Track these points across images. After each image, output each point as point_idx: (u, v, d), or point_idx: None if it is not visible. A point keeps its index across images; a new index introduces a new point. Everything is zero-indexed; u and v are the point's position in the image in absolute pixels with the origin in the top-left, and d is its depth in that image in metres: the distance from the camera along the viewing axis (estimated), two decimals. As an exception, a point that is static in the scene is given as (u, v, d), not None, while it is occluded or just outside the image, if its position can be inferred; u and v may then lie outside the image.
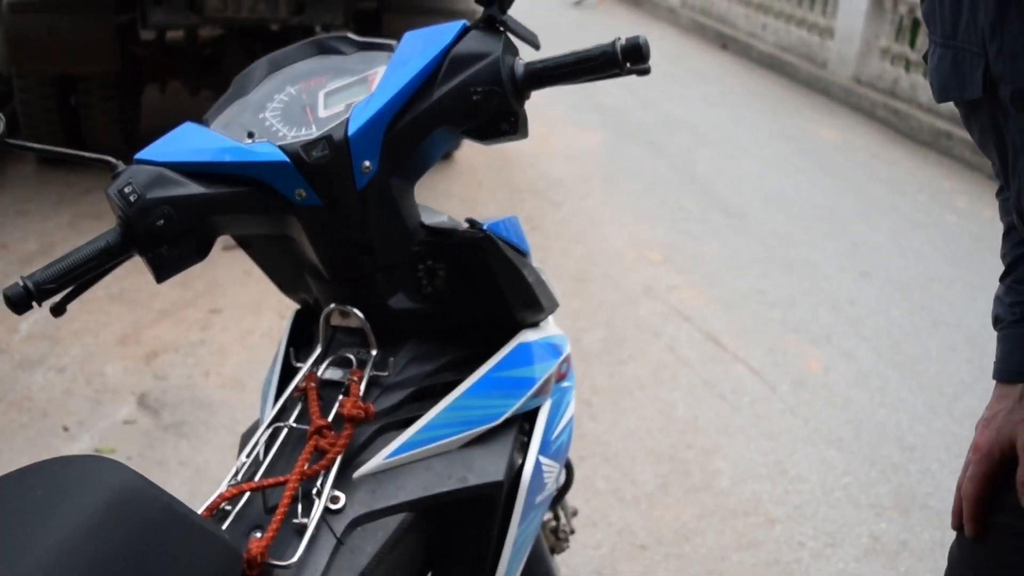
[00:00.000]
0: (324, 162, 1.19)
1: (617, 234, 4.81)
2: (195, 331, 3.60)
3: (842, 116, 7.44)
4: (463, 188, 5.21)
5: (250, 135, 1.26)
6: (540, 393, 1.41)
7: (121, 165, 1.18)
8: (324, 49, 1.40)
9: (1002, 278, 1.18)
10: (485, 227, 1.32)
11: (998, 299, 1.18)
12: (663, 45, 9.93)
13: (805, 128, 7.02)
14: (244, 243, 1.44)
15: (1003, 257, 1.19)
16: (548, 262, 4.36)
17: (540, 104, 6.76)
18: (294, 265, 1.40)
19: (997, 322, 1.17)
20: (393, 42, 1.34)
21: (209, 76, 5.09)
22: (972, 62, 1.00)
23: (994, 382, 1.14)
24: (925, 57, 1.12)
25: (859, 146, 6.63)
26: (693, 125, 6.90)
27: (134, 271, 3.72)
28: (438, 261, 1.33)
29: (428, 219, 1.38)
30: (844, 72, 7.89)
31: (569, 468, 1.75)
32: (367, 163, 1.21)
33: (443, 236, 1.32)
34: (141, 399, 3.18)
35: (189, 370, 3.36)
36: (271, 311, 3.74)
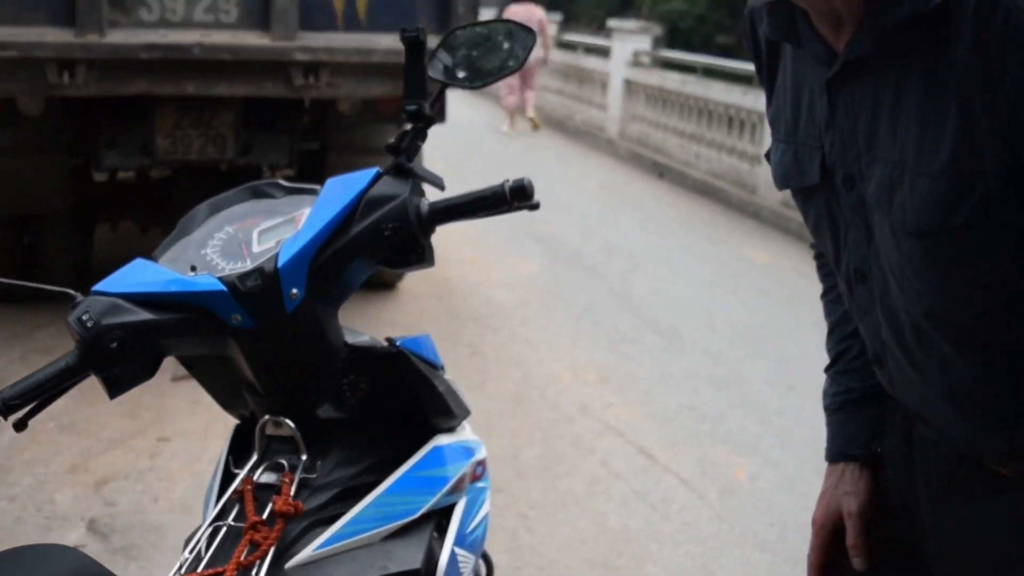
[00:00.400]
0: (257, 290, 1.37)
1: (555, 357, 5.02)
2: (144, 459, 3.72)
3: (772, 238, 7.78)
4: (406, 317, 5.41)
5: (193, 268, 1.44)
6: (455, 491, 1.58)
7: (79, 296, 1.35)
8: (258, 193, 1.60)
9: (826, 369, 1.40)
10: (399, 343, 1.51)
11: (824, 390, 1.40)
12: (601, 175, 10.33)
13: (737, 250, 7.34)
14: (189, 364, 1.61)
15: (828, 352, 1.41)
16: (487, 385, 4.53)
17: (481, 235, 7.06)
18: (233, 383, 1.57)
19: (825, 410, 1.38)
20: (317, 187, 1.55)
21: (159, 214, 5.29)
22: (810, 154, 1.20)
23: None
24: (767, 155, 1.33)
25: (788, 266, 6.94)
26: (630, 251, 7.20)
27: (83, 402, 3.88)
28: (360, 375, 1.51)
29: (351, 339, 1.56)
30: (773, 196, 8.27)
31: (488, 562, 1.90)
32: (295, 291, 1.39)
33: (364, 352, 1.51)
34: (91, 524, 3.28)
35: (138, 496, 3.46)
36: (218, 438, 3.87)
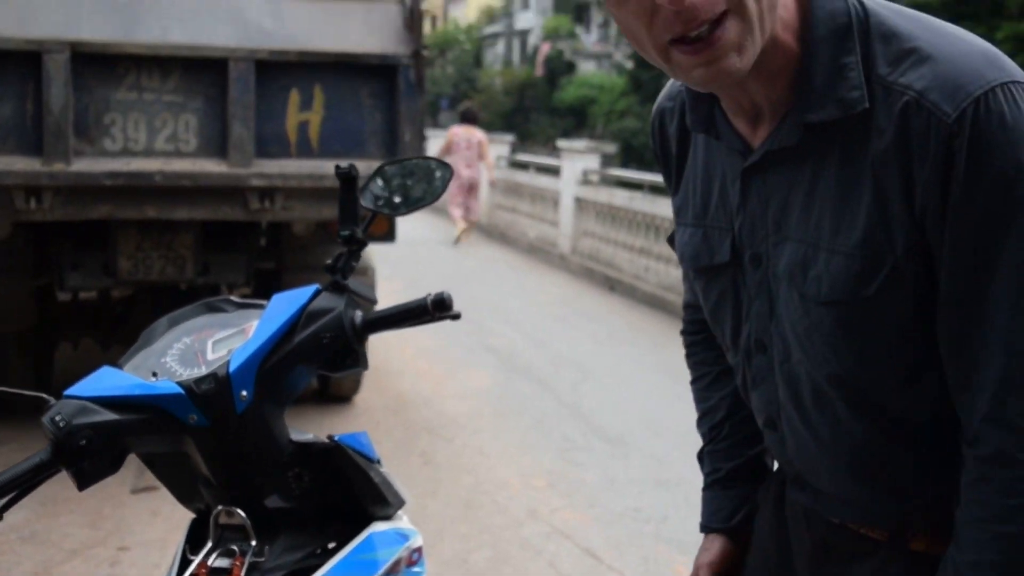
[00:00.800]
0: (211, 393, 1.57)
1: (505, 465, 5.18)
2: (104, 567, 3.82)
3: (718, 347, 8.03)
4: (360, 429, 5.55)
5: (154, 374, 1.64)
6: (390, 574, 1.76)
7: (52, 400, 1.55)
8: (212, 308, 1.81)
9: (699, 452, 1.62)
10: (337, 438, 1.71)
11: (701, 466, 1.61)
12: (554, 290, 10.62)
13: (683, 359, 7.57)
14: (150, 462, 1.78)
15: (701, 435, 1.62)
16: (439, 492, 4.68)
17: (436, 348, 7.26)
18: (190, 478, 1.74)
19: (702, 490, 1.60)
20: (264, 302, 1.76)
21: (120, 333, 5.45)
22: (720, 236, 1.33)
23: None
24: (669, 240, 1.49)
25: (732, 374, 7.17)
26: (580, 362, 7.42)
27: (44, 514, 4.01)
28: (304, 468, 1.70)
29: (296, 436, 1.75)
30: (718, 307, 8.56)
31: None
32: (244, 393, 1.59)
33: (307, 448, 1.70)
34: (50, 634, 3.38)
35: (97, 606, 3.57)
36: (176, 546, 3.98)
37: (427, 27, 72.97)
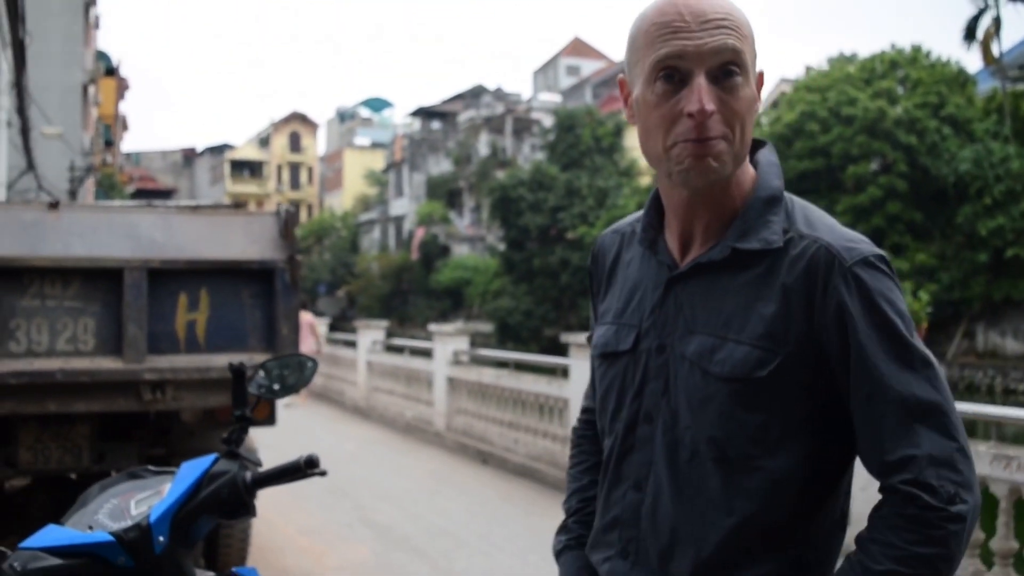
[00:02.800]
0: (135, 539, 2.11)
1: (383, 625, 5.62)
2: None
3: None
4: (247, 601, 5.92)
5: (90, 527, 2.17)
6: None
7: (8, 552, 2.06)
8: (134, 476, 2.37)
9: (563, 525, 1.93)
10: (235, 570, 2.26)
11: (555, 541, 1.92)
12: (430, 465, 11.12)
13: (552, 522, 8.07)
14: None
15: (567, 509, 1.93)
16: (321, 652, 5.09)
17: (317, 525, 7.66)
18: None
19: (556, 556, 1.90)
20: (175, 469, 2.32)
21: (16, 526, 5.75)
22: (628, 331, 1.71)
23: None
24: (589, 338, 1.86)
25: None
26: (454, 531, 7.91)
27: None
28: (208, 600, 2.24)
29: (201, 573, 2.29)
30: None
31: None
32: (161, 538, 2.13)
33: (210, 583, 2.24)
34: None
35: None
36: None
37: (304, 216, 74.25)
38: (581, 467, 1.96)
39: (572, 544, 1.89)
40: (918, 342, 1.54)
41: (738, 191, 1.65)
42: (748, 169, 1.67)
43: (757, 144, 1.72)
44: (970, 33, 31.76)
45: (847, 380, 1.53)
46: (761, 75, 1.64)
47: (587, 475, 1.94)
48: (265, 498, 8.33)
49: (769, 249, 1.58)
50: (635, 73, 1.62)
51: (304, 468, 2.27)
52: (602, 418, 1.79)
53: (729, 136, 1.56)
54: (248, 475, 2.25)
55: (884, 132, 28.64)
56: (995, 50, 29.91)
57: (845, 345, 1.52)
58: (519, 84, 70.81)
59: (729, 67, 1.54)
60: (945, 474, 1.47)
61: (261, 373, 2.47)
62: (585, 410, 2.01)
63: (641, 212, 1.79)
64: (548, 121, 45.09)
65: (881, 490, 1.53)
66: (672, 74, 1.55)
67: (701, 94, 1.52)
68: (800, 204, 1.66)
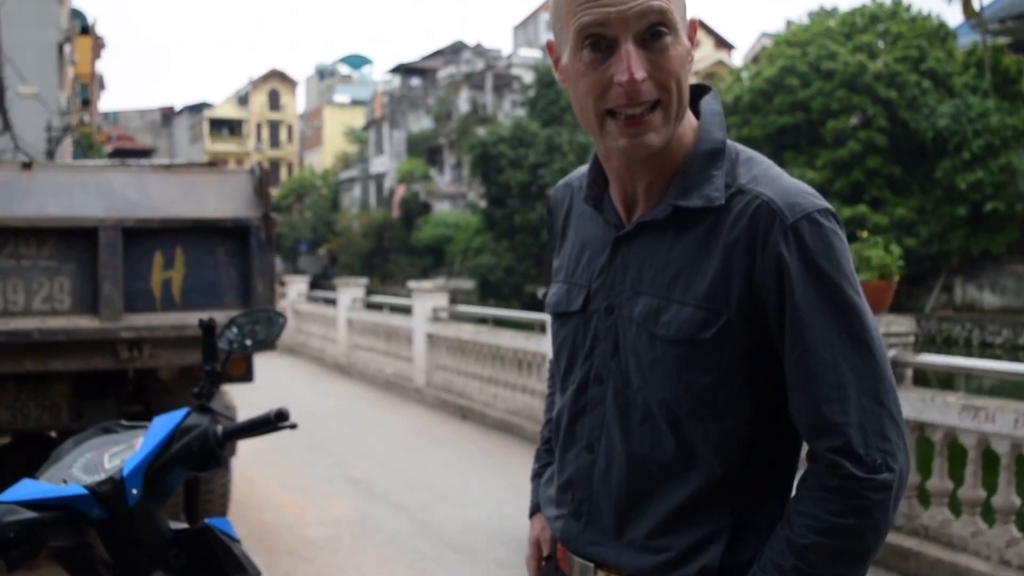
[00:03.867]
0: (108, 492, 2.15)
1: (362, 577, 5.72)
2: None
3: (561, 465, 8.70)
4: (228, 556, 6.00)
5: (64, 481, 2.22)
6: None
7: (-17, 505, 2.10)
8: (107, 430, 2.41)
9: (538, 452, 2.00)
10: (206, 522, 2.31)
11: (533, 469, 1.99)
12: (410, 422, 11.21)
13: (526, 476, 8.21)
14: (58, 556, 2.33)
15: (542, 441, 1.98)
16: (301, 604, 5.18)
17: (297, 481, 7.72)
18: (92, 563, 2.30)
19: (531, 480, 1.97)
20: (147, 423, 2.36)
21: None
22: (578, 291, 1.69)
23: None
24: (544, 295, 1.86)
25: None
26: (433, 485, 8.00)
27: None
28: (181, 549, 2.29)
29: (174, 525, 2.35)
30: (561, 428, 9.26)
31: None
32: (135, 491, 2.18)
33: (182, 532, 2.30)
34: None
35: None
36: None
37: (284, 174, 73.92)
38: (553, 397, 1.96)
39: (541, 472, 1.93)
40: (859, 302, 1.50)
41: (679, 145, 1.59)
42: (690, 120, 1.62)
43: (701, 90, 1.67)
44: (950, -14, 31.72)
45: (782, 339, 1.50)
46: (694, 24, 1.58)
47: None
48: (246, 454, 8.42)
49: (711, 207, 1.54)
50: (561, 39, 1.56)
51: (274, 421, 2.31)
52: (556, 376, 1.79)
53: (664, 98, 1.51)
54: (219, 428, 2.29)
55: (864, 87, 28.65)
56: (976, 4, 29.85)
57: (781, 304, 1.49)
58: (499, 40, 70.16)
59: (657, 28, 1.48)
60: (873, 442, 1.46)
61: (232, 328, 2.51)
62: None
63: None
64: (528, 77, 44.84)
65: (808, 455, 1.52)
66: (598, 42, 1.49)
67: (630, 62, 1.47)
68: (745, 156, 1.61)
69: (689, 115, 1.61)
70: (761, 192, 1.53)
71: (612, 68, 1.49)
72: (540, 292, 9.66)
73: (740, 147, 1.63)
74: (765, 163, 1.61)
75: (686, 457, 1.56)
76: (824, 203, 1.53)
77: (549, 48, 1.64)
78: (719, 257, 1.52)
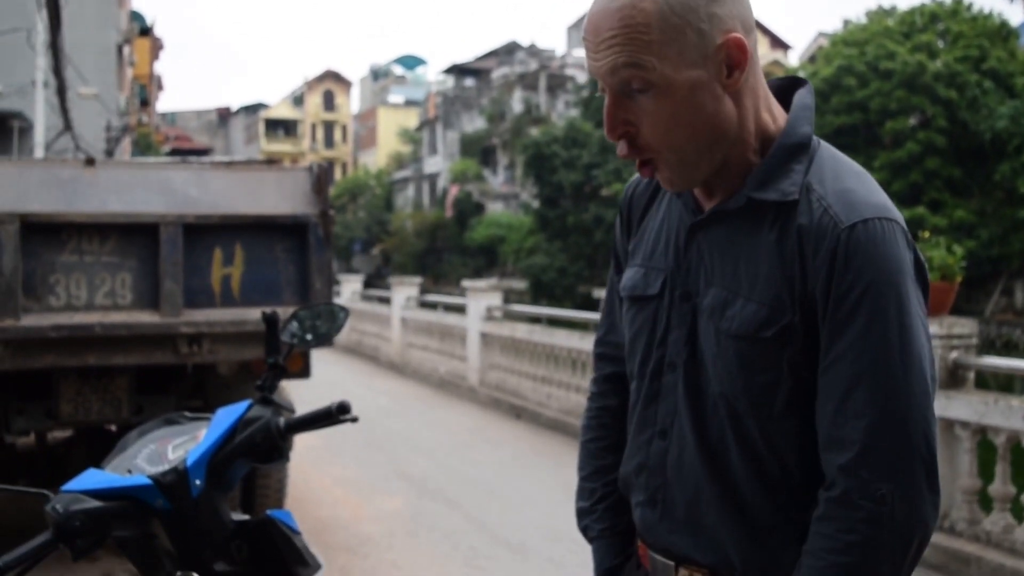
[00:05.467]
0: (172, 483, 2.17)
1: (417, 574, 5.72)
2: None
3: (615, 465, 8.67)
4: (284, 551, 6.05)
5: (129, 471, 2.23)
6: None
7: (51, 494, 2.12)
8: (170, 422, 2.42)
9: (593, 506, 1.87)
10: (269, 513, 2.32)
11: (587, 524, 1.87)
12: (465, 420, 11.23)
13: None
14: (122, 545, 2.35)
15: (591, 491, 1.88)
16: (356, 599, 5.20)
17: (352, 477, 7.76)
18: (155, 553, 2.32)
19: (593, 540, 1.86)
20: (210, 415, 2.38)
21: (58, 478, 5.89)
22: (656, 275, 1.66)
23: None
24: (618, 278, 1.80)
25: (627, 488, 7.80)
26: (487, 483, 8.01)
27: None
28: (243, 540, 2.30)
29: (236, 516, 2.35)
30: (614, 428, 9.22)
31: None
32: (198, 482, 2.19)
33: (245, 524, 2.31)
34: None
35: None
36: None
37: (338, 174, 74.47)
38: (601, 443, 1.90)
39: (607, 533, 1.85)
40: (906, 318, 1.44)
41: (761, 136, 1.55)
42: (778, 113, 1.58)
43: (797, 83, 1.64)
44: (1013, -16, 31.15)
45: (823, 344, 1.46)
46: (735, 40, 1.47)
47: (610, 455, 1.87)
48: (301, 451, 8.48)
49: (785, 201, 1.50)
50: None
51: (336, 414, 2.31)
52: (631, 361, 1.74)
53: (656, 157, 1.51)
54: (281, 420, 2.29)
55: (923, 87, 28.26)
56: (1038, 1, 29.31)
57: (824, 312, 1.45)
58: (553, 40, 70.12)
59: (629, 85, 1.46)
60: (880, 470, 1.41)
61: (294, 322, 2.51)
62: (601, 357, 1.94)
63: None
64: (582, 77, 44.79)
65: (823, 464, 1.48)
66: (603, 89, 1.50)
67: (609, 118, 1.50)
68: (828, 155, 1.55)
69: (779, 108, 1.59)
70: (825, 195, 1.48)
71: None
72: (596, 294, 9.59)
73: (827, 145, 1.58)
74: (848, 165, 1.56)
75: (748, 453, 1.54)
76: (891, 214, 1.46)
77: None
78: (786, 256, 1.48)
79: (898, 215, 1.48)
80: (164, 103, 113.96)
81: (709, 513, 1.58)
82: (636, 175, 1.77)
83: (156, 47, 49.53)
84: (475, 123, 55.93)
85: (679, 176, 1.52)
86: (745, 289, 1.51)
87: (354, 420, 2.33)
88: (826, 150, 1.56)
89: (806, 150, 1.54)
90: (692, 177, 1.53)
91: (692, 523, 1.60)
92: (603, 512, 1.86)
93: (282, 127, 79.40)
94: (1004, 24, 30.60)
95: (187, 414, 2.48)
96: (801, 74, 32.09)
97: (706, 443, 1.57)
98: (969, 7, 31.04)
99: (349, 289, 20.49)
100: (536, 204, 41.81)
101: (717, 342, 1.54)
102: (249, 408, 2.32)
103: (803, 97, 1.60)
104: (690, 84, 1.45)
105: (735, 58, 1.47)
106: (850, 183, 1.49)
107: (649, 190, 1.77)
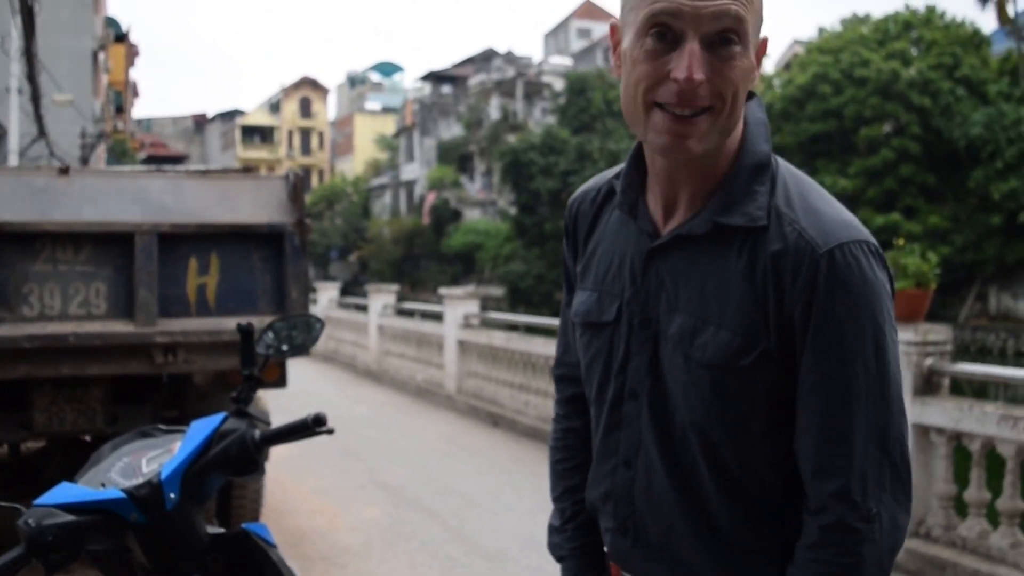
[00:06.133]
0: (147, 496, 2.15)
1: (394, 583, 5.71)
2: None
3: (592, 472, 8.68)
4: (260, 561, 6.02)
5: (103, 485, 2.22)
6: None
7: (24, 508, 2.10)
8: (145, 434, 2.41)
9: (563, 525, 1.88)
10: (244, 526, 2.30)
11: (557, 542, 1.88)
12: (442, 428, 11.21)
13: (560, 485, 8.19)
14: (96, 560, 2.34)
15: (560, 511, 1.89)
16: (333, 609, 5.18)
17: (329, 487, 7.72)
18: (129, 569, 2.30)
19: (562, 558, 1.87)
20: (185, 428, 2.36)
21: (33, 489, 5.83)
22: (611, 300, 1.60)
23: None
24: (568, 303, 1.76)
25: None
26: (464, 491, 7.99)
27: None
28: (218, 553, 2.29)
29: (211, 529, 2.34)
30: (592, 436, 9.23)
31: None
32: (172, 495, 2.17)
33: (220, 537, 2.29)
34: None
35: None
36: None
37: (315, 181, 74.30)
38: (570, 463, 1.89)
39: (577, 552, 1.85)
40: (883, 342, 1.45)
41: (725, 154, 1.52)
42: (736, 129, 1.54)
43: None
44: (985, -7, 31.46)
45: (803, 368, 1.46)
46: (765, 42, 1.51)
47: (578, 474, 1.86)
48: (278, 461, 8.45)
49: (753, 227, 1.48)
50: (627, 21, 1.48)
51: (312, 426, 2.30)
52: (588, 388, 1.71)
53: (717, 106, 1.44)
54: (257, 433, 2.28)
55: (897, 94, 28.49)
56: (1010, 10, 29.60)
57: (803, 337, 1.44)
58: (530, 47, 70.38)
59: (728, 35, 1.41)
60: (871, 491, 1.43)
61: (269, 333, 2.50)
62: (561, 380, 1.93)
63: (621, 166, 1.65)
64: (559, 85, 44.89)
65: (808, 490, 1.48)
66: (664, 32, 1.41)
67: (692, 61, 1.39)
68: (787, 174, 1.54)
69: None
70: (797, 219, 1.47)
71: (672, 63, 1.42)
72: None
73: (784, 163, 1.57)
74: (808, 184, 1.54)
75: (723, 479, 1.53)
76: (863, 235, 1.47)
77: (612, 30, 1.57)
78: (758, 282, 1.46)
79: (868, 234, 1.48)
80: (140, 110, 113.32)
81: (684, 542, 1.57)
82: (579, 190, 1.77)
83: (132, 53, 49.23)
84: (452, 130, 55.95)
85: (710, 136, 1.46)
86: (715, 316, 1.48)
87: (330, 432, 2.33)
88: (784, 168, 1.55)
89: (767, 170, 1.52)
90: (716, 143, 1.48)
91: (667, 551, 1.59)
92: (573, 532, 1.86)
93: (259, 134, 79.17)
94: (976, 32, 30.90)
95: (161, 427, 2.46)
96: (776, 81, 32.42)
97: (677, 472, 1.55)
98: (942, 15, 31.31)
99: (326, 297, 20.42)
100: (513, 211, 41.88)
101: (687, 370, 1.51)
102: (224, 420, 2.31)
103: (755, 112, 1.58)
104: (752, 57, 1.47)
105: (759, 57, 1.50)
106: (816, 203, 1.49)
107: (594, 207, 1.73)
